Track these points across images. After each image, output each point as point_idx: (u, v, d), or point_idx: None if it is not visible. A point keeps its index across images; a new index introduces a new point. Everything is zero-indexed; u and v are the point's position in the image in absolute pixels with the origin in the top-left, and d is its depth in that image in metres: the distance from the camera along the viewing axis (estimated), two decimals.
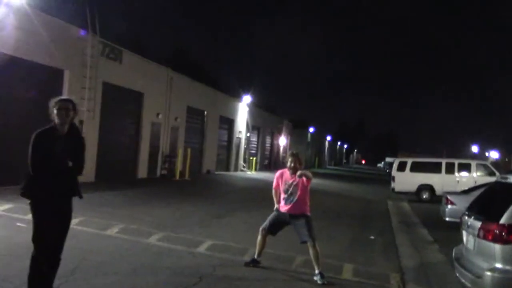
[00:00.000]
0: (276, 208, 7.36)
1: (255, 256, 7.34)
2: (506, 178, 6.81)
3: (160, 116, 21.69)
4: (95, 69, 15.91)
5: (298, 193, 7.06)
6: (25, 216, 9.41)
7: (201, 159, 27.40)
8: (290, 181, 7.14)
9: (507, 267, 5.37)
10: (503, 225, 5.49)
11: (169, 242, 8.42)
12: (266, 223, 7.35)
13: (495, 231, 5.55)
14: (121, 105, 18.51)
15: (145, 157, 20.70)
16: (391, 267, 8.24)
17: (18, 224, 8.84)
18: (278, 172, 7.42)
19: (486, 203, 6.72)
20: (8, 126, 13.37)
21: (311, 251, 6.86)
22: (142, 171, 20.51)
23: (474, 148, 72.73)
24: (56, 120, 4.81)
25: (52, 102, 4.91)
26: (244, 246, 8.48)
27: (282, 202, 7.22)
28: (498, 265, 5.47)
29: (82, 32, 15.68)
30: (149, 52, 21.69)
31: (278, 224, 7.32)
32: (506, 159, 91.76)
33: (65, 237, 4.88)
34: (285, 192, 7.17)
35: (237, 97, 33.40)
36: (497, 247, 5.51)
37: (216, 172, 29.44)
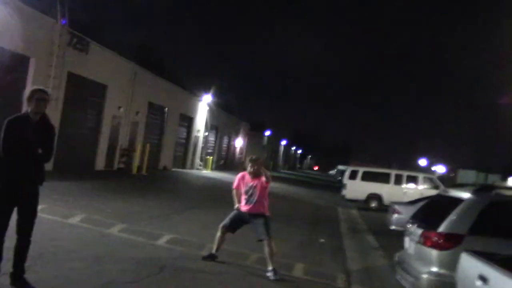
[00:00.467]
0: (237, 207, 7.81)
1: (213, 251, 7.76)
2: (447, 191, 7.55)
3: (121, 109, 21.75)
4: (61, 59, 15.92)
5: (258, 194, 7.55)
6: None
7: (158, 155, 27.50)
8: (250, 183, 7.63)
9: (442, 271, 6.02)
10: (440, 233, 6.16)
11: (130, 234, 8.73)
12: (226, 220, 7.79)
13: (434, 238, 6.21)
14: (84, 96, 18.53)
15: (104, 150, 20.72)
16: (338, 268, 8.83)
17: None
18: (240, 174, 7.89)
19: (428, 213, 7.41)
20: None
21: (266, 249, 7.34)
22: (100, 163, 20.52)
23: (423, 162, 75.24)
24: (33, 109, 5.10)
25: (30, 91, 5.20)
26: (201, 242, 8.89)
27: (243, 202, 7.69)
28: (434, 269, 6.13)
29: (62, 21, 15.68)
30: (115, 46, 21.61)
31: (238, 222, 7.78)
32: (452, 174, 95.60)
33: (34, 220, 5.18)
34: (246, 193, 7.65)
35: (198, 95, 33.64)
36: (434, 253, 6.17)
37: (173, 169, 29.60)
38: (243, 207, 7.67)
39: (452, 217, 6.24)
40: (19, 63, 14.88)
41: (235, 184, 7.89)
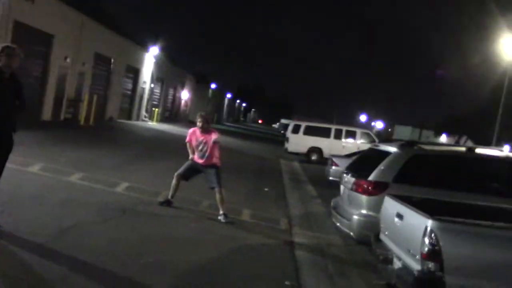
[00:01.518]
0: (191, 157, 8.53)
1: (169, 197, 8.52)
2: (377, 145, 8.59)
3: (68, 60, 21.54)
4: (7, 7, 15.66)
5: (208, 149, 8.28)
6: None
7: (105, 106, 27.46)
8: (201, 139, 8.36)
9: (370, 213, 7.06)
10: (369, 181, 7.18)
11: (89, 181, 9.30)
12: (181, 169, 8.53)
13: (364, 186, 7.23)
14: (30, 45, 18.24)
15: (51, 100, 20.62)
16: (281, 214, 9.81)
17: None
18: (191, 130, 8.61)
19: (360, 164, 8.44)
20: None
21: (217, 196, 8.16)
22: (47, 114, 20.46)
23: (363, 117, 78.01)
24: (4, 64, 5.57)
25: (0, 48, 5.64)
26: (156, 189, 9.61)
27: (196, 155, 8.41)
28: (363, 211, 7.18)
29: None
30: None
31: (192, 171, 8.53)
32: (389, 129, 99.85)
33: (4, 166, 5.72)
34: (197, 148, 8.39)
35: (145, 46, 33.40)
36: (364, 198, 7.21)
37: (119, 120, 29.68)
38: (197, 159, 8.40)
39: (380, 167, 7.25)
40: None
41: (187, 138, 8.59)
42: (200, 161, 8.36)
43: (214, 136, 8.21)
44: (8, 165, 5.58)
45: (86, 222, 6.61)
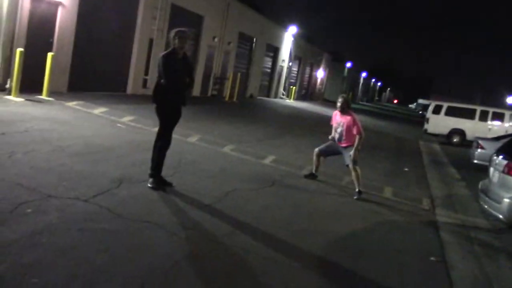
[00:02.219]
0: (331, 137, 8.80)
1: (313, 171, 9.00)
2: None
3: (215, 39, 22.98)
4: None
5: (344, 133, 8.47)
6: (120, 119, 11.23)
7: (246, 83, 28.83)
8: (339, 120, 8.61)
9: None
10: None
11: (240, 153, 10.13)
12: (322, 146, 8.92)
13: None
14: (184, 26, 19.64)
15: (200, 77, 22.22)
16: (423, 194, 9.79)
17: (118, 125, 10.64)
18: (334, 112, 8.83)
19: None
20: (100, 42, 15.10)
21: (353, 173, 8.38)
22: (196, 90, 22.08)
23: (510, 99, 71.93)
24: (178, 45, 6.31)
25: (174, 32, 6.40)
26: (299, 163, 10.16)
27: (336, 137, 8.68)
28: None
29: None
30: None
31: (331, 150, 8.85)
32: None
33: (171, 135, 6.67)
34: (336, 129, 8.65)
35: (284, 26, 34.17)
36: None
37: (258, 97, 30.95)
38: (337, 141, 8.66)
39: None
40: None
41: (331, 121, 8.84)
42: (339, 143, 8.60)
43: (355, 128, 8.31)
44: (174, 135, 6.44)
45: (242, 189, 7.31)
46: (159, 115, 6.48)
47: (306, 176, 9.02)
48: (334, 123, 8.73)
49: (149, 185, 6.32)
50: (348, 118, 8.45)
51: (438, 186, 11.05)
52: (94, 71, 14.98)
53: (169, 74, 6.22)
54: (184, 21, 19.73)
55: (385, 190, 9.29)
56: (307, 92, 45.43)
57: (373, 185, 9.41)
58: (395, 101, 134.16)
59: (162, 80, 6.27)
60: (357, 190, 8.28)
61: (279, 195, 7.55)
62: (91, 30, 14.55)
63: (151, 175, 6.41)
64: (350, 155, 8.35)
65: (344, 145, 8.55)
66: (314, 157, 8.96)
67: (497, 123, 22.35)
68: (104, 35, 15.21)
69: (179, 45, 6.33)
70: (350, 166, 8.39)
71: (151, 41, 17.18)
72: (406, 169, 12.76)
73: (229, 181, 7.59)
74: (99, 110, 11.82)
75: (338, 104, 8.57)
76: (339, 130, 8.54)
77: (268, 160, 10.02)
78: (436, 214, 8.21)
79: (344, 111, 8.52)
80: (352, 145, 8.45)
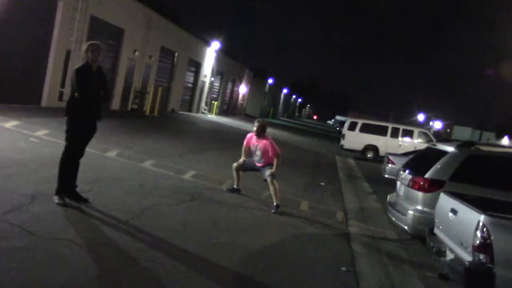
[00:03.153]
0: (243, 160, 9.04)
1: (235, 186, 9.17)
2: (435, 145, 8.88)
3: (136, 53, 22.71)
4: (85, 2, 16.81)
5: (262, 154, 8.77)
6: (33, 133, 10.82)
7: (168, 97, 28.63)
8: (256, 144, 8.90)
9: (425, 209, 7.41)
10: (426, 178, 7.52)
11: (160, 168, 10.09)
12: (240, 161, 9.10)
13: (420, 182, 7.57)
14: (103, 39, 19.39)
15: (120, 91, 21.83)
16: (337, 207, 10.23)
17: (32, 139, 10.24)
18: (249, 135, 9.12)
19: (417, 162, 8.76)
20: (12, 53, 14.44)
21: (271, 187, 8.59)
22: (116, 104, 21.68)
23: (421, 117, 76.36)
24: (91, 59, 6.28)
25: (87, 45, 6.39)
26: (220, 177, 10.28)
27: (255, 159, 8.92)
28: (419, 207, 7.53)
29: None
30: None
31: (249, 166, 9.07)
32: (448, 130, 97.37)
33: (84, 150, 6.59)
34: (254, 152, 8.94)
35: (206, 41, 34.37)
36: (420, 194, 7.56)
37: (180, 112, 30.82)
38: (256, 162, 8.91)
39: (437, 166, 7.58)
40: (48, 7, 15.91)
41: (244, 143, 9.12)
42: (259, 164, 8.87)
43: (271, 150, 8.60)
44: (91, 150, 6.37)
45: (161, 204, 7.30)
46: (68, 127, 6.33)
47: (229, 190, 9.15)
48: (249, 146, 8.98)
49: (55, 201, 6.16)
50: (264, 141, 8.74)
51: (352, 200, 11.57)
52: (5, 82, 14.32)
53: (82, 88, 6.15)
54: (104, 33, 19.46)
55: (302, 204, 9.61)
56: (229, 107, 45.81)
57: (291, 198, 9.72)
58: (315, 117, 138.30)
59: (75, 94, 6.18)
60: (275, 204, 8.47)
61: (198, 209, 7.61)
62: (1, 40, 13.96)
63: (56, 191, 6.25)
64: (269, 171, 8.59)
65: (263, 165, 8.79)
66: (234, 172, 9.13)
67: (407, 139, 23.71)
68: (17, 46, 14.61)
69: (92, 58, 6.29)
70: (268, 180, 8.60)
71: (68, 53, 16.72)
72: (322, 183, 13.23)
73: (148, 197, 7.55)
74: (10, 124, 11.34)
75: (254, 128, 8.84)
76: (257, 153, 8.80)
77: (188, 175, 10.05)
78: (349, 226, 8.60)
79: (260, 135, 8.80)
80: (269, 164, 8.70)
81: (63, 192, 6.25)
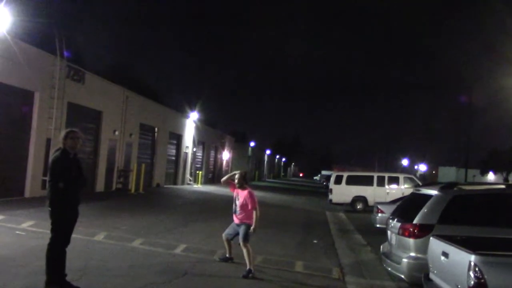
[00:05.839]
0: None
1: (227, 255, 9.09)
2: (419, 190, 8.98)
3: (116, 133, 22.93)
4: (62, 90, 17.12)
5: (239, 205, 8.72)
6: (19, 226, 10.69)
7: (151, 173, 28.64)
8: (236, 193, 8.94)
9: (418, 255, 7.40)
10: (415, 224, 7.56)
11: (150, 246, 9.97)
12: (226, 230, 9.06)
13: (410, 229, 7.61)
14: (82, 123, 19.64)
15: (103, 172, 21.82)
16: (332, 263, 10.15)
17: (17, 232, 10.10)
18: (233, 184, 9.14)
19: (405, 209, 8.81)
20: None
21: (244, 251, 8.38)
22: (100, 185, 21.61)
23: (405, 162, 77.10)
24: (70, 146, 6.36)
25: (65, 132, 6.48)
26: (211, 248, 10.17)
27: (233, 207, 8.87)
28: (412, 254, 7.52)
29: (66, 54, 17.00)
30: (106, 72, 22.87)
31: (232, 232, 8.92)
32: (433, 172, 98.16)
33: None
34: (234, 200, 8.92)
35: (185, 113, 34.88)
36: (411, 241, 7.57)
37: (165, 186, 30.73)
38: (234, 216, 8.87)
39: (423, 210, 7.64)
40: (25, 97, 16.17)
41: (230, 189, 9.11)
42: (235, 217, 8.79)
43: (250, 202, 8.57)
44: (77, 236, 6.30)
45: (153, 283, 7.18)
46: (55, 218, 6.29)
47: (222, 260, 9.07)
48: (234, 193, 8.96)
49: None
50: (245, 192, 8.75)
51: (346, 254, 11.49)
52: None
53: (68, 176, 6.19)
54: (82, 117, 19.71)
55: (296, 264, 9.51)
56: (214, 175, 45.84)
57: (284, 260, 9.63)
58: (301, 175, 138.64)
59: (60, 184, 6.18)
60: (248, 268, 8.25)
61: (191, 284, 7.50)
62: None
63: (45, 284, 6.13)
64: (242, 233, 8.49)
65: (238, 219, 8.68)
66: (224, 241, 9.07)
67: (394, 186, 23.88)
68: None
69: (71, 145, 6.37)
70: (241, 244, 8.48)
71: (49, 141, 16.82)
72: (315, 241, 13.16)
73: (139, 277, 7.43)
74: None
75: (236, 181, 8.89)
76: (237, 202, 8.78)
77: (179, 249, 9.94)
78: (346, 282, 8.52)
79: (242, 186, 8.83)
80: (245, 222, 8.60)
81: (54, 283, 6.13)
